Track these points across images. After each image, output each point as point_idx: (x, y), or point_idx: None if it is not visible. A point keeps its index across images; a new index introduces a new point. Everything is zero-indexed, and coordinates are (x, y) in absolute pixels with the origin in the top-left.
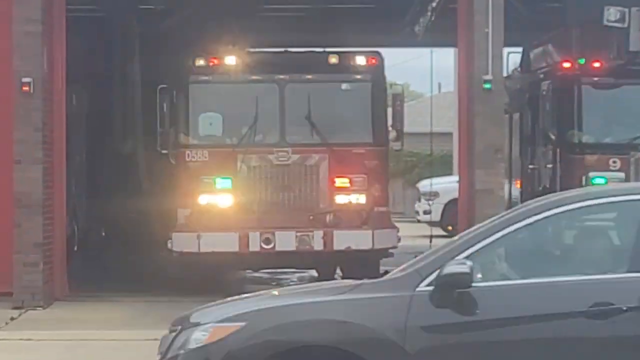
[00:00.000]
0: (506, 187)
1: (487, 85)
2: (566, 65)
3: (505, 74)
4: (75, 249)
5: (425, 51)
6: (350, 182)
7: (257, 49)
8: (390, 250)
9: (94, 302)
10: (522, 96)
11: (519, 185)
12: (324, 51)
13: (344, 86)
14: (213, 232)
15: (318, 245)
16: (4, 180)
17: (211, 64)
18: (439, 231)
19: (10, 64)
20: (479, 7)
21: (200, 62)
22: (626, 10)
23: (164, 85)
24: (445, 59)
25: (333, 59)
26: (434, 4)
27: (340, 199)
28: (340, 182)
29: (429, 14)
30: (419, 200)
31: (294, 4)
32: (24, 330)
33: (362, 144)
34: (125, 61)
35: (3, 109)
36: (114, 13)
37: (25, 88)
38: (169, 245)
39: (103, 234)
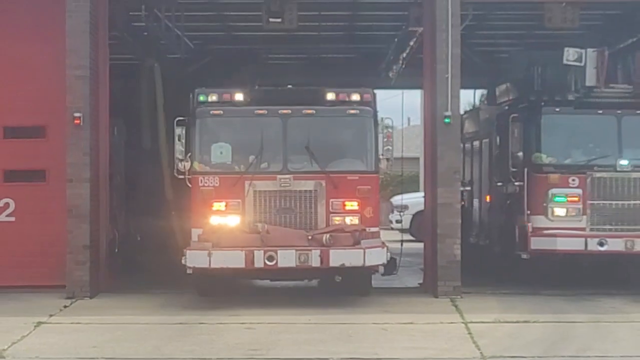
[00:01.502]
0: (475, 201)
1: (447, 120)
2: (532, 98)
3: (473, 107)
4: (116, 250)
5: (397, 92)
6: (345, 205)
7: (262, 87)
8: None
9: (131, 293)
10: (490, 124)
11: (488, 199)
12: (322, 88)
13: (339, 120)
14: (222, 250)
15: (315, 262)
16: (60, 195)
17: (222, 99)
18: (408, 236)
19: (65, 102)
20: (440, 58)
21: (213, 97)
22: (583, 51)
23: (181, 118)
24: (413, 98)
25: (330, 95)
26: (404, 55)
27: (336, 220)
28: (335, 205)
29: (401, 62)
30: (392, 211)
31: (292, 54)
32: (75, 315)
33: (355, 172)
34: (155, 100)
35: (59, 138)
36: (146, 60)
37: (77, 121)
38: (183, 260)
39: (138, 238)
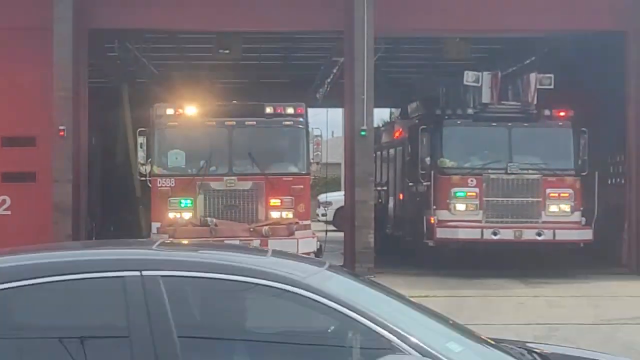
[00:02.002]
0: (391, 199)
1: (363, 133)
2: (438, 112)
3: (389, 121)
4: (93, 239)
5: (323, 110)
6: (281, 202)
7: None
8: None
9: None
10: (403, 135)
11: (401, 197)
12: (262, 103)
13: (276, 130)
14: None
15: None
16: (47, 193)
17: (178, 112)
18: (331, 227)
19: (52, 117)
20: (358, 83)
21: (170, 111)
22: (479, 73)
23: (143, 129)
24: (336, 115)
25: (268, 109)
26: (329, 80)
27: (274, 214)
28: (273, 202)
29: (326, 86)
30: (319, 207)
31: (238, 79)
32: None
33: (290, 174)
34: (124, 114)
35: (47, 146)
36: (118, 84)
37: (61, 133)
38: None
39: (112, 229)
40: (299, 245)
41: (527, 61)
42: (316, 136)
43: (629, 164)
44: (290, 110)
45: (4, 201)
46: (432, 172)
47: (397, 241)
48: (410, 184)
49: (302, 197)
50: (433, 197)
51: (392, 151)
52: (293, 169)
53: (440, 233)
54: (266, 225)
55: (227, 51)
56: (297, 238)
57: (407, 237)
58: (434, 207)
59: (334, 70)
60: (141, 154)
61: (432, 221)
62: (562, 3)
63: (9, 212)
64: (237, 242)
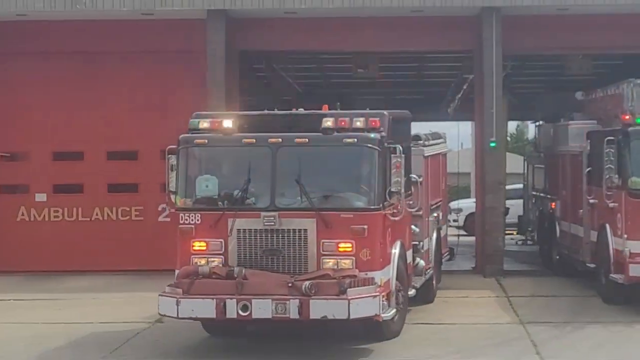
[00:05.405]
0: (560, 212)
1: (493, 144)
2: (626, 117)
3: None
4: None
5: (454, 123)
6: (337, 247)
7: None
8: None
9: None
10: (580, 140)
11: (579, 214)
12: (319, 113)
13: (336, 150)
14: (191, 299)
15: (294, 313)
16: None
17: (210, 127)
18: (462, 232)
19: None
20: (487, 98)
21: (205, 124)
22: None
23: (173, 146)
24: (466, 127)
25: (328, 122)
26: (459, 95)
27: (326, 263)
28: (327, 246)
29: (457, 101)
30: (450, 212)
31: (374, 95)
32: None
33: (351, 209)
34: None
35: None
36: (265, 102)
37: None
38: (158, 307)
39: None
40: (351, 309)
41: None
42: (396, 157)
43: None
44: (358, 124)
45: (163, 209)
46: (623, 194)
47: (564, 261)
48: (592, 201)
49: (367, 241)
50: (624, 224)
51: (563, 157)
52: (357, 203)
53: (634, 270)
54: (308, 279)
55: (364, 70)
56: (347, 299)
57: (585, 262)
58: (625, 236)
59: (464, 87)
60: (172, 179)
61: (622, 253)
62: None
63: (168, 219)
64: (268, 301)
